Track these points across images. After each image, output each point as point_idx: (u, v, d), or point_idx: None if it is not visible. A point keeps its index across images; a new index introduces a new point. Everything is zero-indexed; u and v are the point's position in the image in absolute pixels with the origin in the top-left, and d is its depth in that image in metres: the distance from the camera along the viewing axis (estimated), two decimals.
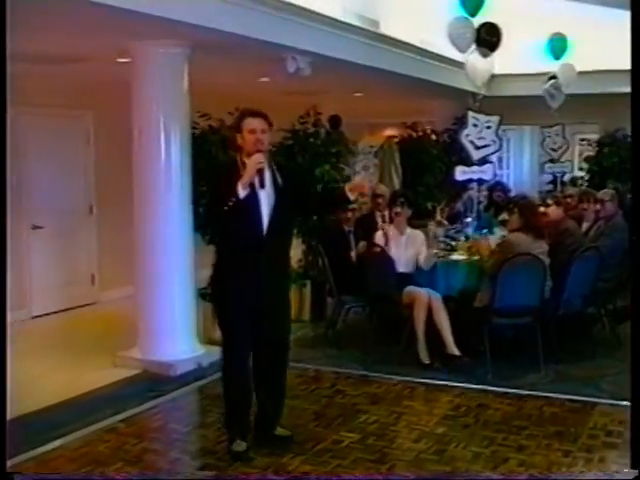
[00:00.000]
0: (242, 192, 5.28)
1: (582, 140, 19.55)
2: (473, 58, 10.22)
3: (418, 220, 9.92)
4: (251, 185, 5.35)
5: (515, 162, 22.14)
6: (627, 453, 5.55)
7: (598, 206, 9.28)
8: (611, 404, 6.70)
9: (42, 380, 7.52)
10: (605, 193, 9.45)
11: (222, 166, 6.49)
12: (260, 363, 5.72)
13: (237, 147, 5.60)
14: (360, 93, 13.71)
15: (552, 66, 13.30)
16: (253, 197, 5.37)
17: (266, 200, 5.45)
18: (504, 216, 9.22)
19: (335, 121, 13.66)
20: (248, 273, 5.45)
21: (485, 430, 6.17)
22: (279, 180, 5.54)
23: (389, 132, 16.31)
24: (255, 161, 5.33)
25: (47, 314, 10.40)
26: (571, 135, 18.08)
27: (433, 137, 14.25)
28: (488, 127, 9.52)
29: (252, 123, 5.46)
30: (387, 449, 5.77)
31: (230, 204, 5.24)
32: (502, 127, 10.84)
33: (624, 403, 6.62)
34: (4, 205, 4.07)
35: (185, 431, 6.37)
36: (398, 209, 8.41)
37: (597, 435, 6.04)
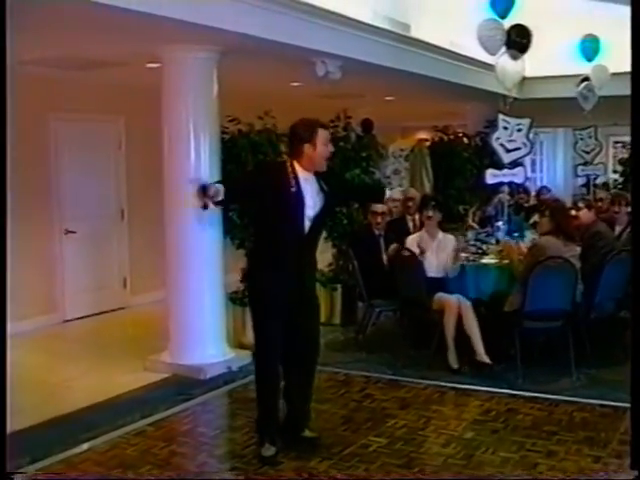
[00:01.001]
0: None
1: (616, 142, 19.40)
2: (503, 60, 10.17)
3: (450, 224, 9.91)
4: (298, 188, 5.44)
5: (548, 165, 22.03)
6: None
7: (630, 209, 9.20)
8: None
9: (73, 383, 7.58)
10: None
11: (272, 163, 6.81)
12: (291, 363, 5.75)
13: (295, 154, 5.60)
14: (392, 97, 13.71)
15: (585, 68, 13.21)
16: (299, 198, 5.47)
17: (311, 202, 5.53)
18: (535, 219, 9.16)
19: (367, 124, 13.68)
20: (286, 271, 5.51)
21: (514, 435, 6.12)
22: (324, 186, 5.63)
23: (421, 135, 16.29)
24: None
25: (79, 318, 10.46)
26: (605, 137, 17.93)
27: (465, 140, 14.20)
28: (519, 130, 9.45)
29: (326, 135, 5.62)
30: (415, 454, 5.74)
31: (292, 189, 5.42)
32: (535, 130, 10.77)
33: None
34: (4, 206, 4.08)
35: (213, 435, 6.36)
36: (430, 213, 8.38)
37: (628, 441, 5.96)
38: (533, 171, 20.96)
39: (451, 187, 13.24)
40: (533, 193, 14.35)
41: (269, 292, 5.54)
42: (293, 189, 5.44)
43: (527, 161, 15.06)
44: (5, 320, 4.04)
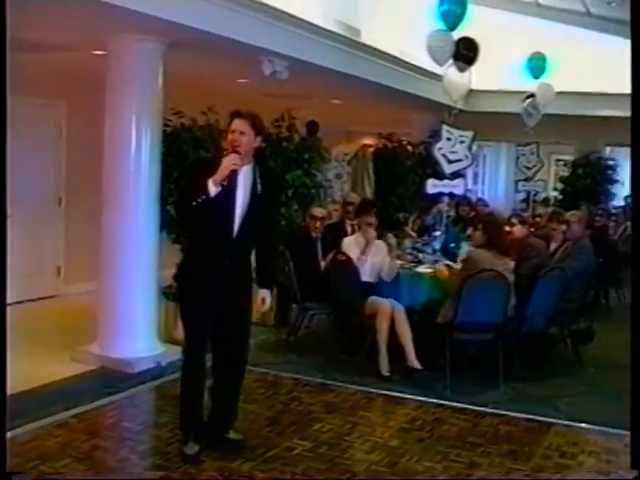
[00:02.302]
0: (213, 190, 5.22)
1: (558, 160, 19.68)
2: (451, 72, 10.24)
3: (390, 230, 9.93)
4: (230, 186, 5.32)
5: (490, 178, 22.24)
6: (578, 475, 5.60)
7: (564, 227, 9.32)
8: (567, 425, 6.69)
9: None
10: (572, 214, 9.48)
11: (202, 162, 6.39)
12: (220, 364, 5.70)
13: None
14: (339, 100, 13.71)
15: (530, 85, 13.37)
16: (229, 198, 5.36)
17: (241, 202, 5.42)
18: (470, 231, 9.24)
19: (312, 127, 13.66)
20: (215, 273, 5.43)
21: (439, 445, 6.13)
22: (259, 186, 5.52)
23: (365, 141, 16.33)
24: (229, 161, 5.29)
25: (9, 304, 10.20)
26: (547, 155, 18.20)
27: (409, 148, 14.22)
28: (461, 142, 9.53)
29: (233, 124, 5.45)
30: (339, 459, 5.72)
31: (199, 200, 5.21)
32: (478, 143, 10.87)
33: (580, 425, 6.66)
34: (4, 201, 4.03)
35: (138, 430, 6.28)
36: (372, 220, 8.39)
37: (551, 455, 6.02)
38: (475, 183, 21.16)
39: (392, 194, 13.26)
40: None
41: (196, 292, 5.48)
42: (224, 182, 5.27)
43: (469, 173, 15.23)
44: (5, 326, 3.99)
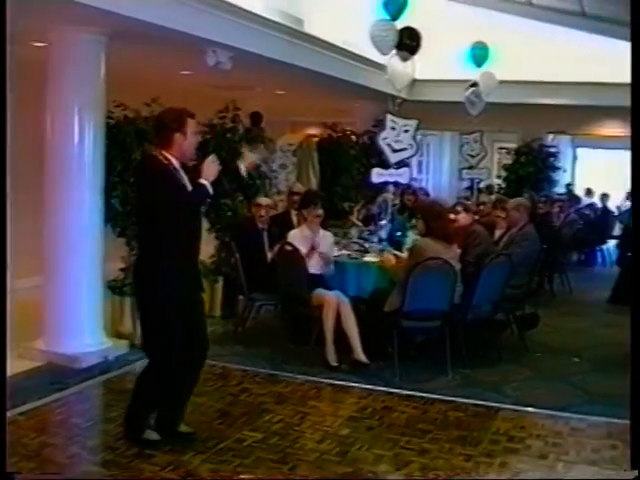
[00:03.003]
0: (211, 189, 5.31)
1: (501, 148, 19.86)
2: (394, 61, 10.28)
3: (334, 220, 9.94)
4: (183, 180, 5.39)
5: (435, 167, 22.38)
6: (526, 458, 5.68)
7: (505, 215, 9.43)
8: (514, 410, 6.76)
9: None
10: (514, 201, 9.58)
11: (153, 164, 5.51)
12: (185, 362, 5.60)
13: (165, 144, 5.39)
14: (282, 91, 13.69)
15: (473, 74, 13.46)
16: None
17: None
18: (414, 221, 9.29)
19: (256, 117, 13.63)
20: (187, 267, 5.51)
21: (389, 433, 6.17)
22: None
23: (310, 131, 16.34)
24: (213, 162, 5.38)
25: None
26: (491, 143, 18.34)
27: (353, 138, 14.23)
28: (406, 131, 9.54)
29: (195, 124, 5.53)
30: (290, 449, 5.73)
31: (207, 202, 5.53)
32: (422, 132, 10.89)
33: (527, 409, 6.74)
34: (4, 196, 3.99)
35: (87, 426, 6.21)
36: (320, 211, 8.40)
37: (499, 440, 6.08)
38: (420, 172, 21.27)
39: (337, 184, 13.28)
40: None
41: (176, 290, 5.41)
42: (183, 181, 5.35)
43: (414, 162, 15.31)
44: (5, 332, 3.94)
